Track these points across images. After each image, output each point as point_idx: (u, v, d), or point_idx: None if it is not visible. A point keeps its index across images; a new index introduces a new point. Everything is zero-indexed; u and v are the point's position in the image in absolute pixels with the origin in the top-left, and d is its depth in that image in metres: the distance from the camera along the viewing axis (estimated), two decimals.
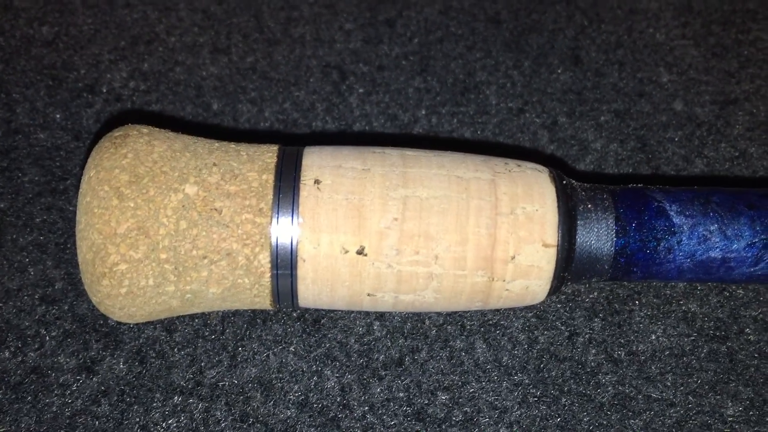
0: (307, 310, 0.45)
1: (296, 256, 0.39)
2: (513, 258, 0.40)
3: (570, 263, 0.40)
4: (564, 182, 0.41)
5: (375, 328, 0.46)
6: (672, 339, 0.46)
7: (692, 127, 0.55)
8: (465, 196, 0.40)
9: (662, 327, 0.47)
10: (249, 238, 0.39)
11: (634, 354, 0.46)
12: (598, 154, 0.53)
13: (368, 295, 0.40)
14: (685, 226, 0.41)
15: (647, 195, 0.41)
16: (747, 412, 0.44)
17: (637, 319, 0.47)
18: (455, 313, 0.46)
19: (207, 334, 0.45)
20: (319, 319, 0.46)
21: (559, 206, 0.40)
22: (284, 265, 0.39)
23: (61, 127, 0.52)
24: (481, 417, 0.43)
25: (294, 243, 0.39)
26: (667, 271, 0.41)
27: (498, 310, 0.46)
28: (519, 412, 0.43)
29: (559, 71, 0.58)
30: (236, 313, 0.45)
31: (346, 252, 0.39)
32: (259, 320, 0.45)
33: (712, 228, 0.41)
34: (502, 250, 0.39)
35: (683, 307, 0.47)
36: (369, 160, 0.41)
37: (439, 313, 0.46)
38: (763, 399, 0.44)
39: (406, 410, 0.43)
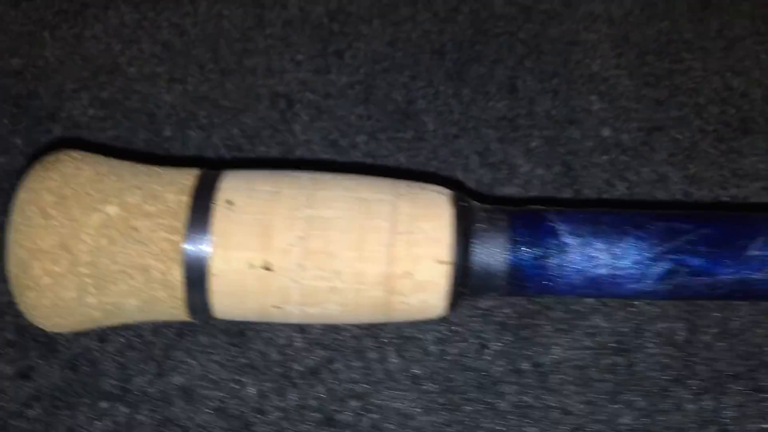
0: (233, 321, 0.49)
1: (207, 272, 0.43)
2: (409, 274, 0.43)
3: (466, 279, 0.44)
4: (463, 204, 0.44)
5: (296, 339, 0.49)
6: (575, 351, 0.49)
7: (617, 153, 0.58)
8: (366, 216, 0.44)
9: (567, 340, 0.50)
10: (164, 254, 0.43)
11: (537, 365, 0.49)
12: (525, 178, 0.57)
13: (275, 307, 0.44)
14: (574, 245, 0.44)
15: (542, 216, 0.45)
16: (639, 419, 0.47)
17: (544, 332, 0.50)
18: (374, 326, 0.50)
19: (137, 344, 0.49)
20: (243, 331, 0.49)
21: (455, 226, 0.44)
22: (196, 279, 0.43)
23: (21, 152, 0.57)
24: (388, 423, 0.47)
25: (205, 259, 0.43)
26: (560, 286, 0.45)
27: (414, 324, 0.50)
28: (423, 419, 0.47)
29: (495, 99, 0.61)
30: (167, 324, 0.49)
31: (254, 267, 0.43)
32: (187, 331, 0.49)
33: (599, 247, 0.44)
34: (399, 267, 0.43)
35: (589, 322, 0.50)
36: (280, 183, 0.45)
37: (358, 326, 0.50)
38: (656, 408, 0.47)
39: (317, 416, 0.47)
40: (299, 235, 0.43)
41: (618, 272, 0.44)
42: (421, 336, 0.50)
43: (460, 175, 0.58)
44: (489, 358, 0.50)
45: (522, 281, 0.45)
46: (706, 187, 0.58)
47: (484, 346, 0.50)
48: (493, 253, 0.44)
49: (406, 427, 0.47)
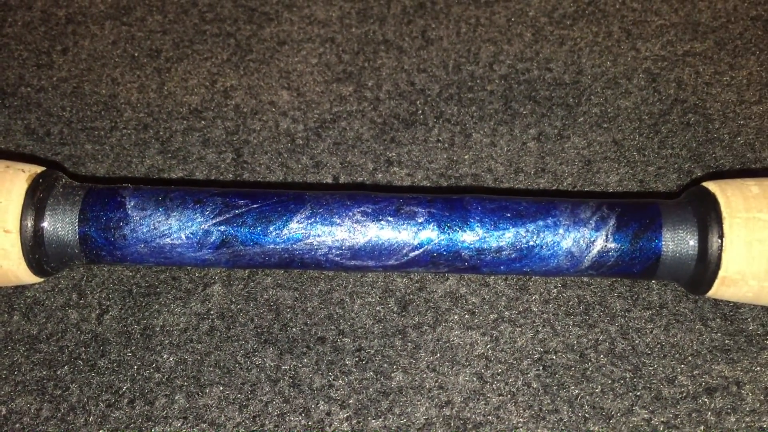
0: None
1: None
2: None
3: (39, 248, 0.51)
4: (43, 181, 0.51)
5: None
6: (183, 317, 0.56)
7: (286, 142, 0.65)
8: None
9: (180, 306, 0.57)
10: None
11: (146, 329, 0.56)
12: (194, 164, 0.64)
13: None
14: (137, 217, 0.51)
15: (115, 191, 0.52)
16: (223, 377, 0.54)
17: (164, 300, 0.57)
18: (19, 288, 0.57)
19: None
20: None
21: (25, 200, 0.51)
22: None
23: None
24: None
25: None
26: (130, 254, 0.52)
27: (46, 290, 0.57)
28: (32, 375, 0.54)
29: (192, 94, 0.68)
30: None
31: None
32: None
33: (161, 219, 0.51)
34: None
35: (207, 290, 0.57)
36: None
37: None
38: (240, 366, 0.54)
39: None
40: None
41: (178, 242, 0.51)
42: (48, 301, 0.57)
43: (136, 162, 0.65)
44: (107, 322, 0.56)
45: (95, 251, 0.52)
46: (357, 174, 0.64)
47: (104, 312, 0.56)
48: (63, 225, 0.51)
49: (11, 382, 0.53)
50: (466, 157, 0.64)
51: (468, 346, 0.54)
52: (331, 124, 0.65)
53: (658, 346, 0.54)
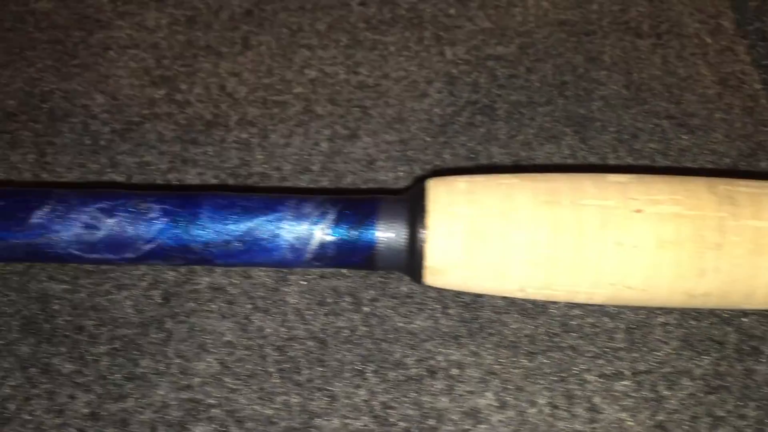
0: None
1: None
2: None
3: None
4: None
5: None
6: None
7: (90, 143, 0.69)
8: None
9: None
10: None
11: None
12: (1, 163, 0.68)
13: None
14: None
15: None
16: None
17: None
18: None
19: None
20: None
21: None
22: None
23: None
24: None
25: None
26: None
27: None
28: None
29: (8, 99, 0.72)
30: None
31: None
32: None
33: None
34: None
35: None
36: None
37: None
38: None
39: None
40: None
41: None
42: None
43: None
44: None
45: None
46: (150, 173, 0.68)
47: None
48: None
49: None
50: (259, 156, 0.67)
51: (218, 334, 0.57)
52: (137, 126, 0.69)
53: (394, 332, 0.57)
